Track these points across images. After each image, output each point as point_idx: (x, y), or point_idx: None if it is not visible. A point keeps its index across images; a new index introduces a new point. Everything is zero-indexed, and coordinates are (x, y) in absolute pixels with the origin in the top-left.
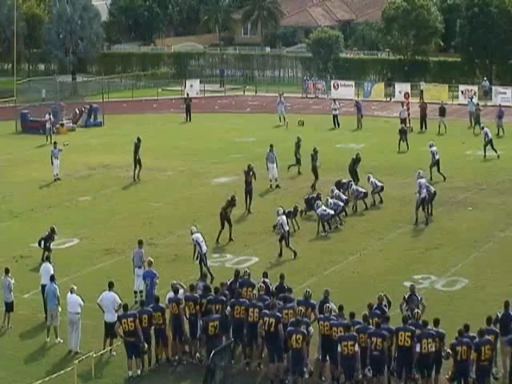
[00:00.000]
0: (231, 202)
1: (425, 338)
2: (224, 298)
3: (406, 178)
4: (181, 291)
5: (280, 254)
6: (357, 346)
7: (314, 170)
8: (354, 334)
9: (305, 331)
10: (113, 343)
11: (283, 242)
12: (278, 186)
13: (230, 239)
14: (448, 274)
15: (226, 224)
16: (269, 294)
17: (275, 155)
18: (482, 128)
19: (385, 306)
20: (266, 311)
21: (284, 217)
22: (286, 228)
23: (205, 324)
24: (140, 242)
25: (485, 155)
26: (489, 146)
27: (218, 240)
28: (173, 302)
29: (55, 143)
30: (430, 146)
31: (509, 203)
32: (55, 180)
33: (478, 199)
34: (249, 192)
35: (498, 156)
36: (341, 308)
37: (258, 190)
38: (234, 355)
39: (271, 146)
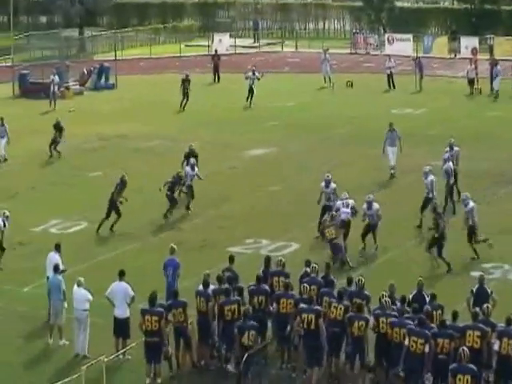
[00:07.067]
0: (121, 185)
1: (505, 337)
2: (268, 289)
3: (474, 149)
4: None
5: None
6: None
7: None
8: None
9: (368, 316)
10: (126, 344)
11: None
12: (393, 176)
13: (111, 229)
14: None
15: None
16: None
17: (398, 136)
18: None
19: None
20: (304, 306)
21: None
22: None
23: (220, 308)
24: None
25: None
26: None
27: (98, 230)
28: (201, 297)
29: (1, 119)
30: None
31: None
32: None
33: None
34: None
35: None
36: (403, 299)
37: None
38: (266, 358)
39: (391, 124)
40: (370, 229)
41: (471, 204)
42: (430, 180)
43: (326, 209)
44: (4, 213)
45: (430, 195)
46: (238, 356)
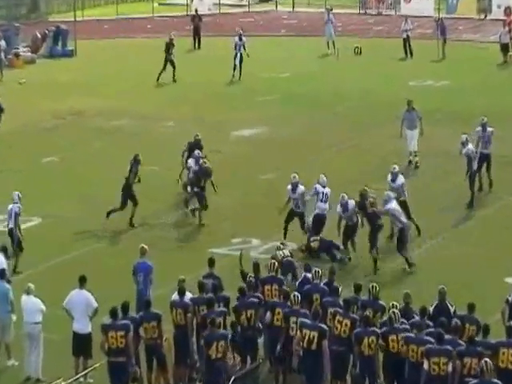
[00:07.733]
0: (136, 165)
1: None
2: (256, 301)
3: (506, 129)
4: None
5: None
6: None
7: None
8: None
9: (378, 331)
10: (87, 365)
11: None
12: (416, 164)
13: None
14: None
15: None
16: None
17: (418, 117)
18: None
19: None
20: (306, 321)
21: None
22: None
23: (201, 321)
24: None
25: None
26: None
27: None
28: (178, 308)
29: None
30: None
31: None
32: None
33: None
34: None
35: None
36: (423, 311)
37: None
38: (258, 382)
39: (409, 102)
40: (349, 232)
41: (390, 205)
42: (402, 182)
43: (293, 215)
44: (18, 195)
45: (402, 198)
46: (203, 371)
